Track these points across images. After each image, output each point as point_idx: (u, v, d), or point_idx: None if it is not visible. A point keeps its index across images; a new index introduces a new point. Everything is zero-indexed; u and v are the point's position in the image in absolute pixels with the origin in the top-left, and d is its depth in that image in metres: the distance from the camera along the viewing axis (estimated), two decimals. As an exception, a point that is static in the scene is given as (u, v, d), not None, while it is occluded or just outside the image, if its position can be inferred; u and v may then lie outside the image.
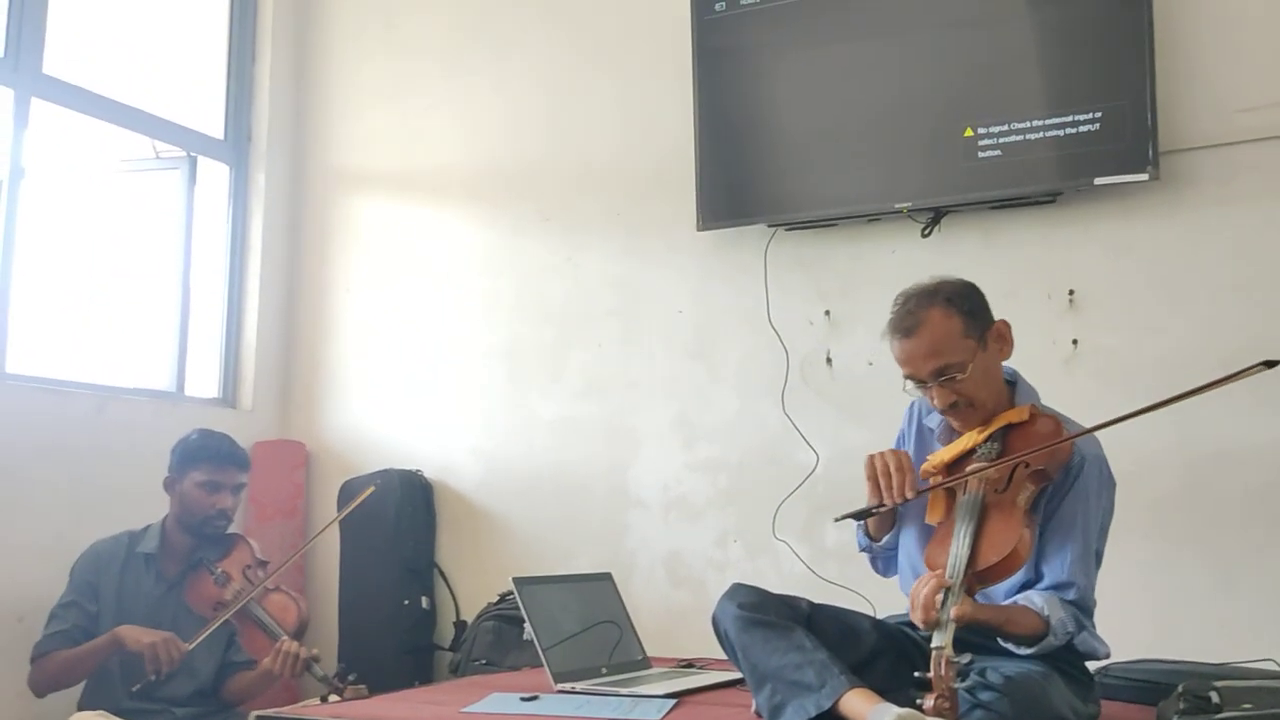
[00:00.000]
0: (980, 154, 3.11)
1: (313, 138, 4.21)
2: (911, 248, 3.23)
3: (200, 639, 2.79)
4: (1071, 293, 3.09)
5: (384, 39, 4.13)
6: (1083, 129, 3.00)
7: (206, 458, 2.94)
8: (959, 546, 1.88)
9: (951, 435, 2.15)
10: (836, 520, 2.17)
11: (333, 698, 2.74)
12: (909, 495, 2.00)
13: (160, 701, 2.84)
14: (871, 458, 2.06)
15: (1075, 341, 3.07)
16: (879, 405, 3.02)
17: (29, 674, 2.82)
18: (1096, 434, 2.06)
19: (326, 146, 4.19)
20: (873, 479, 2.04)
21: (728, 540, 3.44)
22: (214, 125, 4.05)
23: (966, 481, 1.99)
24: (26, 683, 2.82)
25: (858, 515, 2.07)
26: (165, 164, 4.01)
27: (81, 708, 2.80)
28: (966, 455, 2.07)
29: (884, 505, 2.03)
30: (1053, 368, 3.05)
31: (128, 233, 3.98)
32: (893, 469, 2.02)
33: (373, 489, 3.10)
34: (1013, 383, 2.15)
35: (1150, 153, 2.92)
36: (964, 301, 2.06)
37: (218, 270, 4.02)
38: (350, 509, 3.24)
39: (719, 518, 3.46)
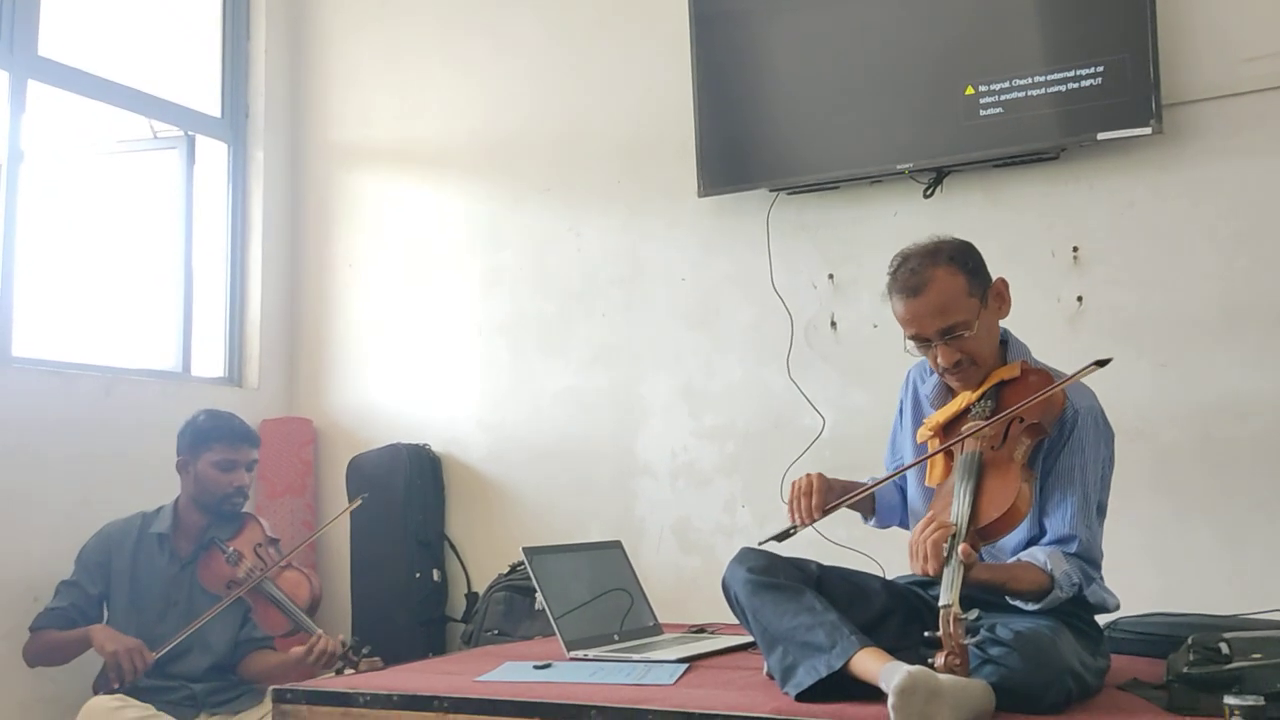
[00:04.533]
0: (981, 112, 3.08)
1: (310, 113, 4.20)
2: (914, 209, 3.22)
3: (200, 623, 2.83)
4: (1075, 250, 3.08)
5: (378, 13, 4.10)
6: (1085, 84, 2.97)
7: (219, 438, 2.97)
8: (960, 505, 1.89)
9: (944, 399, 2.16)
10: (760, 544, 2.20)
11: (347, 671, 2.77)
12: (816, 516, 2.09)
13: (177, 678, 2.88)
14: (794, 482, 2.15)
15: (1080, 298, 3.06)
16: (884, 368, 3.01)
17: (25, 642, 2.89)
18: (1091, 387, 2.07)
19: (324, 121, 4.18)
20: (790, 502, 2.13)
21: (736, 506, 3.45)
22: (210, 103, 4.04)
23: (963, 441, 1.99)
24: (21, 651, 2.89)
25: (778, 537, 2.11)
26: (163, 144, 4.00)
27: (96, 689, 2.83)
28: (961, 415, 2.08)
29: (795, 527, 2.10)
30: (1058, 325, 3.05)
31: (129, 214, 3.98)
32: (802, 492, 2.11)
33: (360, 500, 3.28)
34: (1004, 341, 2.16)
35: (1153, 106, 2.89)
36: (966, 260, 2.08)
37: (219, 249, 4.02)
38: (340, 515, 3.38)
39: (727, 484, 3.47)
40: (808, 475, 2.14)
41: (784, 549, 2.10)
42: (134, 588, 2.94)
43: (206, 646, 2.92)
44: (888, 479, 2.17)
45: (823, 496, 2.10)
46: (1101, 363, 1.87)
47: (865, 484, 2.20)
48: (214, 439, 2.96)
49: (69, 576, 2.95)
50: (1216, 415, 2.92)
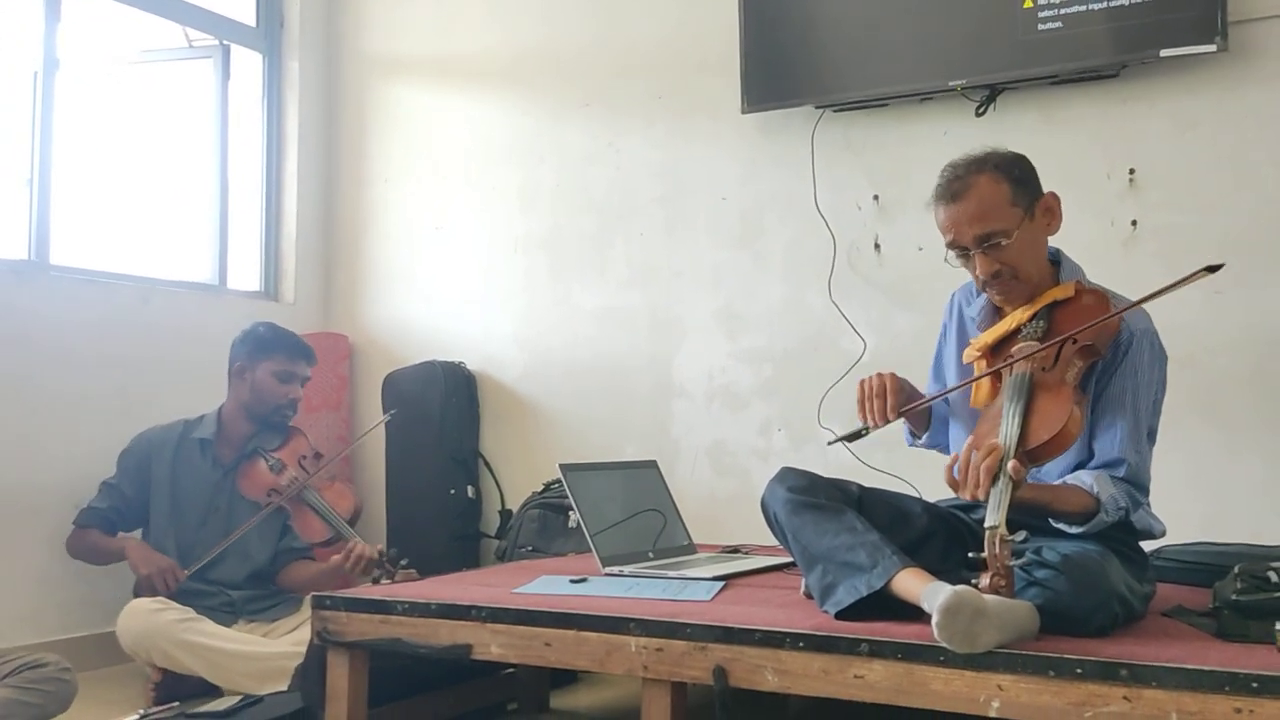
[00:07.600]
0: (1040, 26, 2.97)
1: (346, 23, 4.12)
2: (965, 128, 3.12)
3: (239, 534, 2.89)
4: (1132, 172, 2.98)
5: (416, -82, 4.00)
6: (1148, -3, 2.85)
7: (280, 348, 3.02)
8: (1009, 426, 1.84)
9: (992, 320, 2.11)
10: (829, 444, 2.19)
11: (383, 581, 2.78)
12: (890, 418, 2.02)
13: (216, 584, 2.92)
14: (862, 381, 2.08)
15: (1134, 222, 2.97)
16: (928, 291, 2.95)
17: (69, 535, 2.96)
18: (1145, 308, 2.01)
19: (360, 32, 4.11)
20: (860, 402, 2.06)
21: (772, 429, 3.42)
22: (245, 12, 3.97)
23: (1013, 363, 1.95)
24: (65, 542, 2.96)
25: (848, 438, 2.05)
26: (198, 53, 3.95)
27: (137, 593, 2.88)
28: (1011, 335, 2.03)
29: (867, 428, 2.04)
30: (1111, 249, 2.97)
31: (164, 124, 3.94)
32: (875, 393, 2.04)
33: (391, 414, 3.46)
34: (1057, 261, 2.09)
35: (1219, 22, 2.78)
36: (1013, 169, 2.01)
37: (254, 161, 3.99)
38: (374, 429, 3.51)
39: (763, 407, 3.44)
40: (879, 374, 2.07)
41: (824, 469, 2.07)
42: (174, 492, 2.98)
43: (245, 555, 2.96)
44: (953, 390, 2.11)
45: (896, 397, 2.04)
46: (1213, 269, 1.69)
47: (929, 394, 2.16)
48: (275, 348, 3.02)
49: (110, 479, 3.00)
50: (1270, 346, 2.85)
